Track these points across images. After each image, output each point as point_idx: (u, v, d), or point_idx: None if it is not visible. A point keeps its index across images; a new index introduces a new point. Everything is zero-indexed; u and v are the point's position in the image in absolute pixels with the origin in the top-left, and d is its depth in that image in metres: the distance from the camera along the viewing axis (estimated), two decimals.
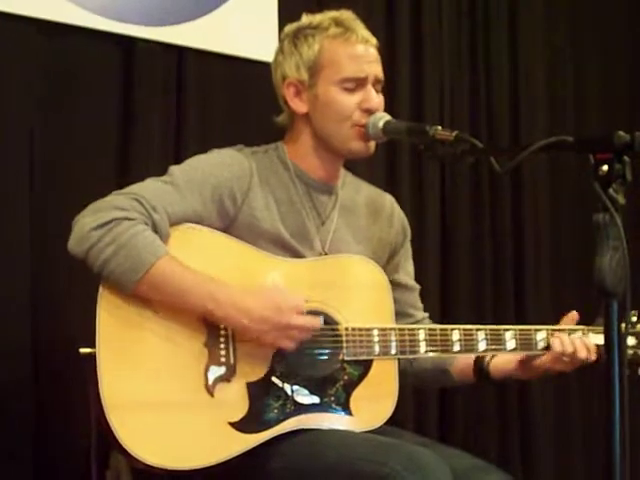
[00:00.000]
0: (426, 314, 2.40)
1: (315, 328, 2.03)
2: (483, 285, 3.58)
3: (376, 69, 2.19)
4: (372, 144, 2.20)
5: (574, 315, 2.24)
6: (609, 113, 4.04)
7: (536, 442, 3.67)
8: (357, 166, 3.16)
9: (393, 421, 2.14)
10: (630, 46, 4.20)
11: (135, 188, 2.04)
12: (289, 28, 2.25)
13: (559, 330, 2.20)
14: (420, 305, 2.40)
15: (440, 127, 1.99)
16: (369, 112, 2.15)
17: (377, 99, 2.18)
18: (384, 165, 3.28)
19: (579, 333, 2.21)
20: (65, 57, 2.62)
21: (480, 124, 3.62)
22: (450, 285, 3.48)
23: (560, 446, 3.76)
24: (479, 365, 2.26)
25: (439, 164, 3.42)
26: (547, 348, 2.18)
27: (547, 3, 3.89)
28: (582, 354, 2.16)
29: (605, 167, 1.48)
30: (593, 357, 2.17)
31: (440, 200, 3.47)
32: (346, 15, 2.21)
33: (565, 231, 3.86)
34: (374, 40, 2.21)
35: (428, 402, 3.34)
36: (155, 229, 1.98)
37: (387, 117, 2.16)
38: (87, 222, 1.95)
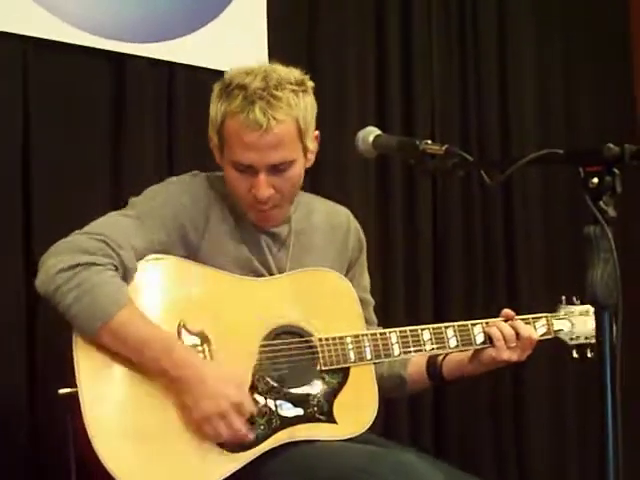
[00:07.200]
0: (380, 328, 2.34)
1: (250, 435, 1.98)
2: (475, 296, 3.58)
3: (269, 157, 2.04)
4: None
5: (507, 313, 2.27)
6: (599, 124, 4.05)
7: (531, 453, 3.69)
8: (349, 181, 3.16)
9: (385, 432, 2.14)
10: (621, 57, 4.22)
11: (98, 226, 2.01)
12: (228, 74, 2.11)
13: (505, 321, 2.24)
14: (374, 320, 2.38)
15: (430, 141, 1.99)
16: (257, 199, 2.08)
17: (266, 192, 2.06)
18: (376, 179, 3.29)
19: (543, 320, 2.30)
20: (56, 75, 2.62)
21: (470, 137, 3.63)
22: (442, 296, 3.49)
23: (555, 450, 3.77)
24: (432, 367, 2.28)
25: (431, 179, 3.43)
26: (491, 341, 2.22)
27: (538, 14, 3.91)
28: (525, 332, 2.20)
29: (595, 179, 1.48)
30: (535, 336, 2.23)
31: (432, 213, 3.49)
32: (259, 84, 2.02)
33: (557, 240, 3.87)
34: (276, 121, 2.01)
35: (422, 414, 3.37)
36: (124, 270, 1.97)
37: (377, 132, 2.13)
38: (53, 264, 1.94)
